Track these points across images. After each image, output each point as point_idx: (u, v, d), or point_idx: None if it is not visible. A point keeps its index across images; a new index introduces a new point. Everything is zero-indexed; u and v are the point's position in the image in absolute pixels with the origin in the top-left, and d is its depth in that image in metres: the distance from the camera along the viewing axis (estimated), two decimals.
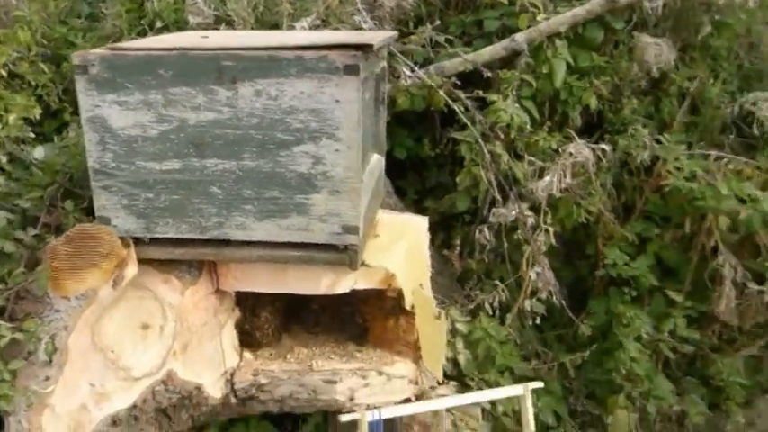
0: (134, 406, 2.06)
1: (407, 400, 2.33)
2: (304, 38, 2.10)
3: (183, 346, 2.12)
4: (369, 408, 2.26)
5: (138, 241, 2.05)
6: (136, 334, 2.10)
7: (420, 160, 3.96)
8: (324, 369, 2.29)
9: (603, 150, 3.02)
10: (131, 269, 1.99)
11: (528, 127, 3.11)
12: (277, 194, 1.98)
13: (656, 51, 2.99)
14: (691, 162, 3.05)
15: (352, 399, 2.26)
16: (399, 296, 2.30)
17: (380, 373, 2.28)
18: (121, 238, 2.00)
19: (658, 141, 3.16)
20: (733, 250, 3.07)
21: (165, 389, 2.08)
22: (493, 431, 2.84)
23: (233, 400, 2.33)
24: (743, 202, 2.89)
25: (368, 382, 2.26)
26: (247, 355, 2.41)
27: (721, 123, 3.30)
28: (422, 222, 2.49)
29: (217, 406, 2.30)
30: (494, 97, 3.06)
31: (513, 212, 2.83)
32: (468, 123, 2.86)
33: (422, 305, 2.32)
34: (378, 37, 2.09)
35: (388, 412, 2.24)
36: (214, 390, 2.25)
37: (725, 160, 3.07)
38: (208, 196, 2.00)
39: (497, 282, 3.09)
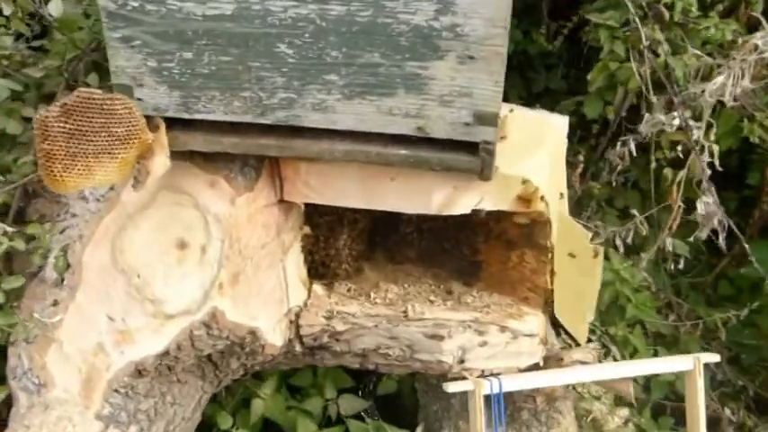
0: (166, 353, 1.48)
1: (536, 367, 1.69)
2: None
3: (234, 277, 1.52)
4: (484, 375, 1.63)
5: (173, 124, 1.42)
6: (170, 255, 1.50)
7: (527, 59, 3.20)
8: (424, 318, 1.66)
9: None
10: (161, 161, 1.37)
11: (694, 10, 2.31)
12: (378, 59, 1.30)
13: None
14: None
15: (462, 362, 1.64)
16: (535, 222, 1.63)
17: (503, 329, 1.64)
18: (148, 117, 1.37)
19: None
20: None
21: (208, 333, 1.49)
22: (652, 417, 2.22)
23: (298, 349, 1.74)
24: None
25: (486, 341, 1.63)
26: (318, 289, 1.79)
27: None
28: (562, 123, 1.78)
29: (278, 356, 1.72)
30: None
31: (676, 120, 2.07)
32: None
33: (565, 235, 1.64)
34: None
35: (513, 383, 1.61)
36: (274, 336, 1.65)
37: None
38: (272, 59, 1.33)
39: (635, 212, 2.38)
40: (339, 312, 1.71)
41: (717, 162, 2.28)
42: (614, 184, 2.63)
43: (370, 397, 2.16)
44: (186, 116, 1.42)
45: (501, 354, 1.64)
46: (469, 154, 1.36)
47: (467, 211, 1.50)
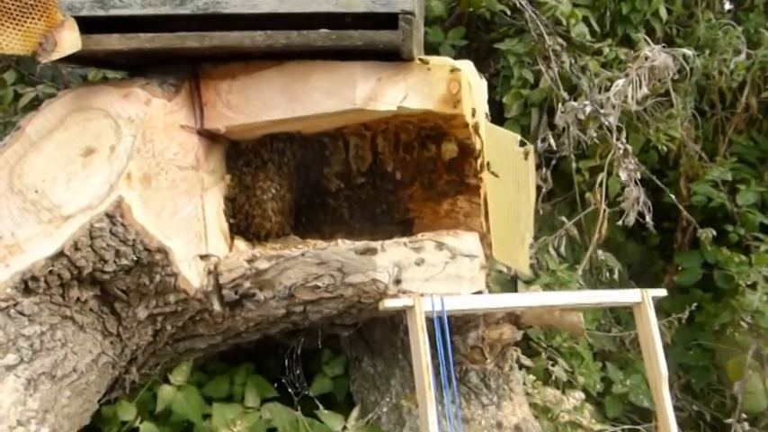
0: (59, 254, 1.29)
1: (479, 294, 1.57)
2: None
3: (145, 177, 1.39)
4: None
5: (87, 26, 1.39)
6: (74, 163, 1.37)
7: None
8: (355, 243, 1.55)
9: (685, 57, 2.44)
10: (71, 36, 1.31)
11: (587, 37, 2.57)
12: None
13: None
14: None
15: (398, 282, 1.50)
16: (464, 152, 1.62)
17: (440, 246, 1.53)
18: None
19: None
20: None
21: (111, 228, 1.32)
22: None
23: (217, 307, 1.56)
24: None
25: (422, 258, 1.51)
26: (240, 244, 1.66)
27: None
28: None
29: (191, 305, 1.52)
30: None
31: (587, 107, 2.19)
32: (528, 18, 2.29)
33: (490, 152, 1.62)
34: None
35: (456, 302, 1.47)
36: (189, 271, 1.48)
37: None
38: None
39: (564, 218, 2.39)
40: (263, 254, 1.57)
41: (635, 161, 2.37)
42: (541, 212, 2.67)
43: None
44: (102, 13, 1.39)
45: (440, 276, 1.52)
46: (390, 28, 1.38)
47: (392, 107, 1.48)
